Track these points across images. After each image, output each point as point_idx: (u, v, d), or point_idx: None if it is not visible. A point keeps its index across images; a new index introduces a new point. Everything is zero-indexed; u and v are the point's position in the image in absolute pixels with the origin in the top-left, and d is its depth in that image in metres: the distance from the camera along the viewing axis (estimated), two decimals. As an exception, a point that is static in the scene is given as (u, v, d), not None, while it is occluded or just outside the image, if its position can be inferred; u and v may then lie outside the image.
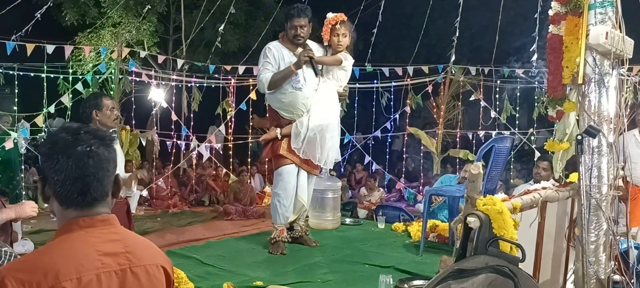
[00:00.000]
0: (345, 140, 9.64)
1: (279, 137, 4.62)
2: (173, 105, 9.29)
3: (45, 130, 7.76)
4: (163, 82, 9.24)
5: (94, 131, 1.43)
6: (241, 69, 8.98)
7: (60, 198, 1.38)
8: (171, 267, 1.53)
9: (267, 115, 4.90)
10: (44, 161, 1.40)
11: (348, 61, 4.70)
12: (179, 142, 9.09)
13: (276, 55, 4.51)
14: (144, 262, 1.42)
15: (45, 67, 7.66)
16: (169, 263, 1.53)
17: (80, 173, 1.37)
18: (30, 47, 7.01)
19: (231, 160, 10.13)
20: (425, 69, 9.17)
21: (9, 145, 6.77)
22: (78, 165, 1.36)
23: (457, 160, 9.39)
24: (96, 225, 1.39)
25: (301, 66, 4.44)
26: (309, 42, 4.68)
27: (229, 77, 9.53)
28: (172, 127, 9.20)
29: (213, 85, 9.68)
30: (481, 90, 9.18)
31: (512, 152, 8.48)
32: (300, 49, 4.52)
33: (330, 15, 4.70)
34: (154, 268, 1.44)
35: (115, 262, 1.36)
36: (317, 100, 4.59)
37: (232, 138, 9.86)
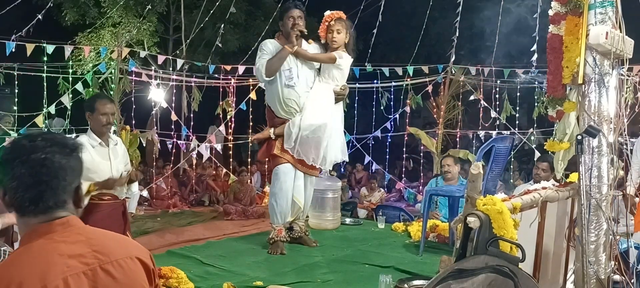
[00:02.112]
0: (345, 140, 9.64)
1: (273, 136, 4.62)
2: (173, 105, 9.29)
3: (45, 130, 7.77)
4: (163, 82, 9.24)
5: (54, 138, 1.39)
6: (241, 69, 8.98)
7: (15, 206, 1.35)
8: (149, 256, 1.48)
9: (266, 115, 4.89)
10: (3, 167, 1.35)
11: (344, 60, 4.64)
12: (179, 142, 9.08)
13: (272, 49, 4.51)
14: (115, 257, 1.37)
15: (45, 67, 7.66)
16: (146, 253, 1.48)
17: (33, 181, 1.33)
18: (30, 47, 7.01)
19: (231, 160, 10.13)
20: (425, 69, 9.17)
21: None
22: (31, 172, 1.32)
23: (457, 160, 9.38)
24: (56, 229, 1.34)
25: (294, 43, 4.45)
26: (308, 43, 4.68)
27: (229, 77, 9.53)
28: (172, 127, 9.20)
29: (213, 85, 9.68)
30: (481, 90, 9.18)
31: (512, 152, 8.48)
32: (296, 47, 4.51)
33: (327, 12, 4.69)
34: (128, 262, 1.39)
35: (81, 262, 1.31)
36: (311, 100, 4.56)
37: (232, 138, 9.86)
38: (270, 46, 4.53)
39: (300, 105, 4.55)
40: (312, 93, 4.59)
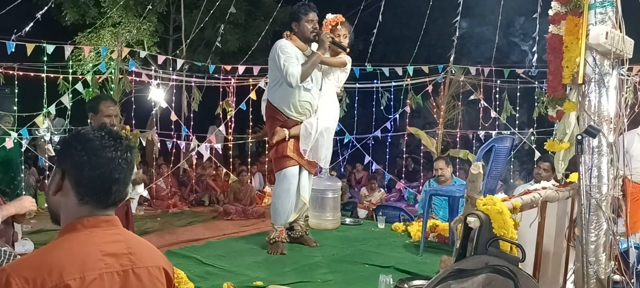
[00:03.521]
0: (345, 140, 9.65)
1: (287, 137, 4.63)
2: (173, 105, 9.29)
3: (46, 130, 7.77)
4: (163, 82, 9.24)
5: (127, 139, 1.47)
6: (241, 68, 8.98)
7: (82, 193, 1.39)
8: (172, 269, 1.56)
9: (265, 115, 4.86)
10: (78, 155, 1.39)
11: (350, 63, 4.81)
12: (179, 142, 9.08)
13: (293, 52, 4.46)
14: (146, 264, 1.44)
15: (45, 67, 7.66)
16: (170, 266, 1.55)
17: (113, 176, 1.40)
18: (30, 47, 7.01)
19: (231, 160, 10.13)
20: (425, 69, 9.18)
21: (9, 145, 6.77)
22: (114, 167, 1.40)
23: (457, 160, 9.39)
24: (100, 225, 1.41)
25: (327, 50, 4.50)
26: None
27: (229, 77, 9.53)
28: (172, 127, 9.20)
29: (213, 85, 9.68)
30: (481, 90, 9.18)
31: (512, 152, 8.48)
32: (309, 49, 4.56)
33: (329, 16, 4.72)
34: (155, 270, 1.46)
35: (118, 262, 1.38)
36: (323, 101, 4.67)
37: (232, 138, 9.85)
38: (290, 49, 4.45)
39: (314, 107, 4.62)
40: (323, 95, 4.69)
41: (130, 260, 1.41)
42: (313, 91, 4.60)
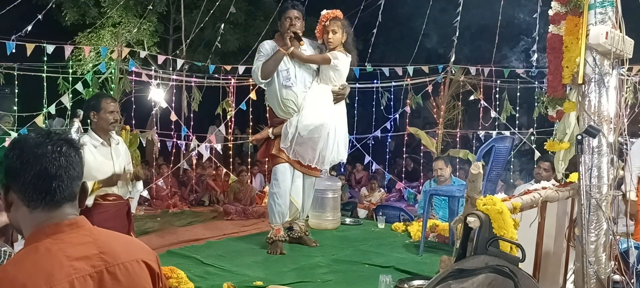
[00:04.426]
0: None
1: (272, 136, 4.63)
2: (173, 105, 9.29)
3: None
4: (163, 82, 9.24)
5: (60, 134, 1.41)
6: (241, 68, 8.97)
7: (27, 198, 1.34)
8: (155, 259, 1.48)
9: (268, 115, 4.90)
10: (11, 163, 1.34)
11: (340, 60, 4.61)
12: (179, 142, 9.08)
13: (269, 50, 4.53)
14: (121, 260, 1.37)
15: (45, 67, 7.66)
16: (152, 255, 1.48)
17: (50, 171, 1.34)
18: (30, 47, 7.01)
19: (231, 160, 10.13)
20: (425, 69, 9.17)
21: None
22: (49, 161, 1.34)
23: (457, 160, 9.40)
24: (63, 230, 1.34)
25: (288, 44, 4.45)
26: (306, 41, 4.67)
27: (229, 77, 9.53)
28: (172, 127, 9.20)
29: (213, 85, 9.68)
30: (481, 90, 9.18)
31: (512, 152, 8.47)
32: (291, 48, 4.49)
33: (323, 12, 4.68)
34: (133, 265, 1.39)
35: (88, 265, 1.31)
36: (309, 101, 4.57)
37: (232, 138, 9.84)
38: (267, 47, 4.55)
39: (298, 106, 4.56)
40: (310, 93, 4.59)
41: (102, 260, 1.33)
42: (295, 89, 4.52)
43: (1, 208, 3.09)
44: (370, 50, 9.21)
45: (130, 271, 1.38)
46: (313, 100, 4.58)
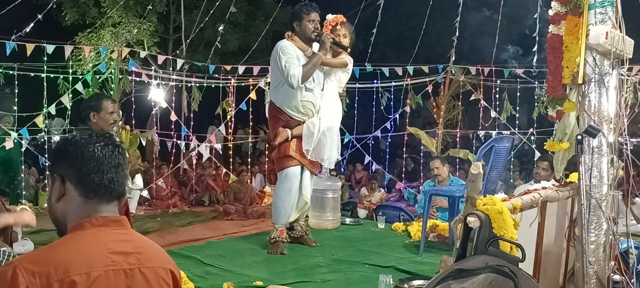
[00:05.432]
0: (345, 140, 9.65)
1: (290, 138, 4.63)
2: (173, 105, 9.28)
3: (45, 130, 7.76)
4: (163, 82, 9.23)
5: (113, 138, 1.52)
6: (241, 68, 8.97)
7: (86, 191, 1.42)
8: (179, 272, 1.60)
9: (268, 116, 4.89)
10: (70, 156, 1.44)
11: (351, 63, 4.80)
12: (179, 142, 9.08)
13: (294, 53, 4.47)
14: (153, 264, 1.47)
15: (45, 67, 7.66)
16: (177, 268, 1.59)
17: (112, 165, 1.45)
18: (30, 47, 7.00)
19: (231, 160, 10.12)
20: (425, 69, 9.17)
21: (9, 145, 6.77)
22: (112, 156, 1.45)
23: (457, 160, 9.40)
24: (109, 224, 1.44)
25: (328, 50, 4.50)
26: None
27: (229, 77, 9.53)
28: (172, 127, 9.20)
29: (213, 85, 9.68)
30: (481, 90, 9.18)
31: (512, 152, 8.47)
32: (310, 50, 4.56)
33: (330, 16, 4.73)
34: (162, 271, 1.49)
35: (125, 260, 1.40)
36: (325, 101, 4.69)
37: (232, 138, 9.84)
38: (291, 49, 4.47)
39: (316, 107, 4.63)
40: (325, 95, 4.70)
41: (138, 259, 1.43)
42: (315, 91, 4.61)
43: (1, 210, 3.09)
44: (370, 50, 9.21)
45: (159, 275, 1.48)
46: (329, 101, 4.71)
